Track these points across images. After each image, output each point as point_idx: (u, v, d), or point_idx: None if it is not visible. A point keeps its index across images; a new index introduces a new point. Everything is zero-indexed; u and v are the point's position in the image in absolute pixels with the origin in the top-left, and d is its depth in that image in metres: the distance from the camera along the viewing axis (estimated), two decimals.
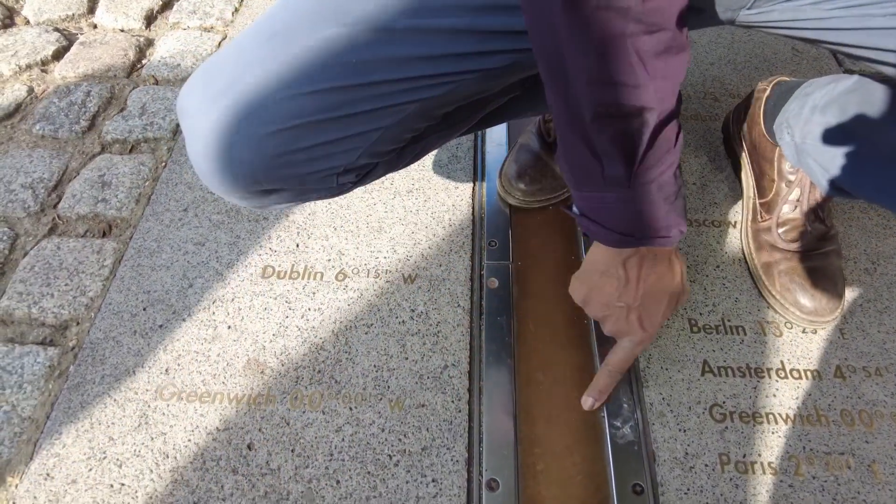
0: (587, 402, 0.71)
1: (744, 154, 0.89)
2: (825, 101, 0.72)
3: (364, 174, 0.59)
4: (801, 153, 0.75)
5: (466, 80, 0.54)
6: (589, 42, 0.42)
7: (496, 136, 1.01)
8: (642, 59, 0.42)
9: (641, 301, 0.59)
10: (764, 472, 0.68)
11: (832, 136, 0.70)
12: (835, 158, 0.70)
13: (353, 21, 0.49)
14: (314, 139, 0.52)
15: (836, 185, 0.72)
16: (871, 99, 0.63)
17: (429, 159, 0.96)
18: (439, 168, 0.95)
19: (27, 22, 1.24)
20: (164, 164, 0.98)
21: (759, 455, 0.69)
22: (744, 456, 0.69)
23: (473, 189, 0.93)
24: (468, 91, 0.56)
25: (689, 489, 0.66)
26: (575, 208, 0.56)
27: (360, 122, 0.52)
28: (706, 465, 0.68)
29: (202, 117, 0.51)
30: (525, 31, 0.48)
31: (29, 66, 1.14)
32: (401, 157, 0.61)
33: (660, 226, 0.53)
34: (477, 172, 0.96)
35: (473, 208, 0.91)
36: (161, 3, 1.28)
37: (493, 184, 0.93)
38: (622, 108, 0.44)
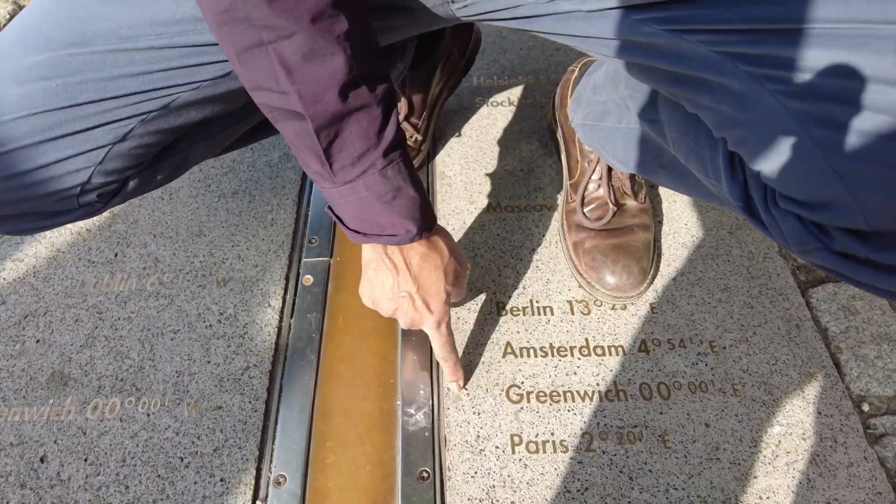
0: (453, 387, 0.72)
1: (560, 134, 0.90)
2: (603, 79, 0.73)
3: (113, 193, 0.59)
4: (586, 132, 0.76)
5: (184, 92, 0.54)
6: (233, 54, 0.44)
7: None
8: (285, 66, 0.43)
9: (419, 284, 0.61)
10: (555, 451, 0.69)
11: (603, 115, 0.71)
12: (608, 136, 0.71)
13: (56, 46, 0.50)
14: (30, 163, 0.52)
15: (619, 162, 0.74)
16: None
17: (260, 159, 0.96)
18: (269, 168, 0.95)
19: None
20: None
21: (552, 434, 0.70)
22: (536, 436, 0.70)
23: (301, 187, 0.93)
24: (195, 102, 0.55)
25: (476, 472, 0.67)
26: None
27: (76, 142, 0.52)
28: (496, 447, 0.69)
29: None
30: None
31: None
32: (156, 171, 0.61)
33: (382, 224, 0.54)
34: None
35: (300, 206, 0.91)
36: (9, 16, 1.26)
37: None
38: (282, 110, 0.45)
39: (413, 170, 0.54)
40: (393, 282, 0.61)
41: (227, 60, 0.53)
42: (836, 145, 0.37)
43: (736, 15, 0.40)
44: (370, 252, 0.61)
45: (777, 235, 0.46)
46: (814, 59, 0.37)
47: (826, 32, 0.36)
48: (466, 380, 0.73)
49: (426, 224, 0.57)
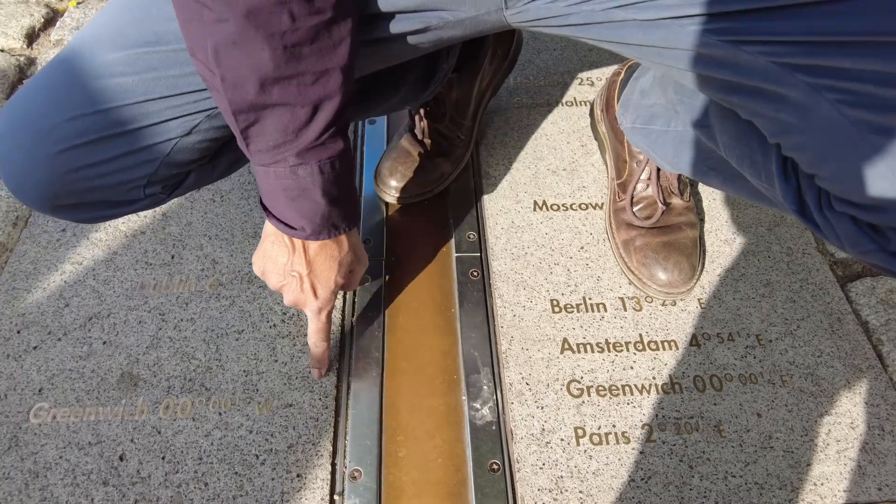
0: (314, 373, 0.75)
1: (605, 137, 0.92)
2: (650, 83, 0.75)
3: (175, 184, 0.62)
4: (635, 135, 0.79)
5: None
6: (180, 19, 0.47)
7: (375, 136, 1.03)
8: (214, 47, 0.46)
9: (311, 268, 0.63)
10: (617, 442, 0.72)
11: (652, 118, 0.73)
12: (657, 140, 0.73)
13: (132, 45, 0.53)
14: (104, 154, 0.55)
15: (667, 164, 0.76)
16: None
17: None
18: None
19: None
20: None
21: (614, 426, 0.73)
22: (598, 428, 0.73)
23: None
24: None
25: (544, 464, 0.70)
26: None
27: (147, 135, 0.55)
28: (562, 440, 0.71)
29: (2, 143, 0.54)
30: None
31: None
32: (215, 166, 0.64)
33: (283, 213, 0.57)
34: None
35: None
36: (43, 20, 1.27)
37: (370, 180, 0.95)
38: (210, 84, 0.49)
39: (333, 180, 0.55)
40: (287, 259, 0.63)
41: None
42: (892, 151, 0.40)
43: (794, 27, 0.42)
44: (272, 226, 0.62)
45: (832, 237, 0.48)
46: (872, 70, 0.39)
47: (885, 43, 0.39)
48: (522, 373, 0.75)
49: (324, 231, 0.60)
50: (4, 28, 1.23)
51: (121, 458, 0.71)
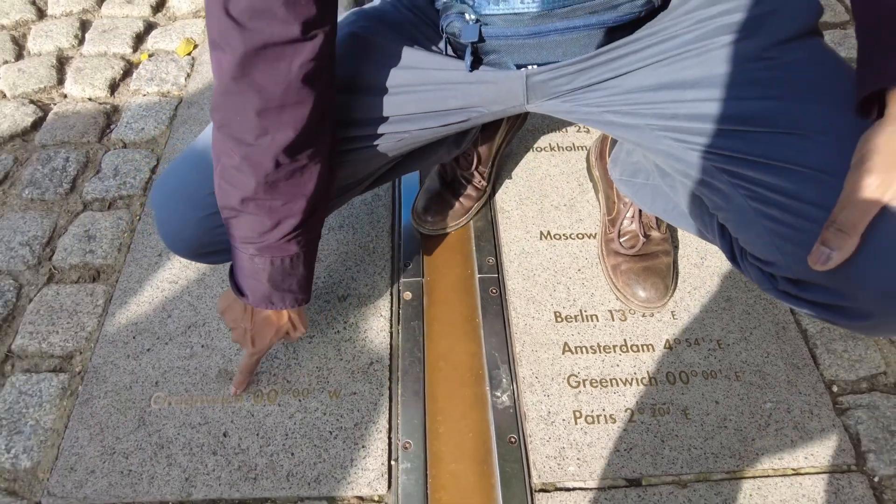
0: (232, 389, 0.95)
1: (598, 180, 1.15)
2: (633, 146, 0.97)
3: None
4: (621, 185, 1.01)
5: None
6: (214, 128, 0.67)
7: (410, 179, 1.26)
8: (221, 165, 0.67)
9: (254, 325, 0.83)
10: (606, 422, 0.93)
11: (635, 173, 0.96)
12: (639, 190, 0.96)
13: None
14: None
15: (646, 207, 0.98)
16: None
17: (356, 198, 1.19)
18: (364, 205, 1.19)
19: (4, 96, 1.44)
20: (138, 217, 1.20)
21: (604, 410, 0.94)
22: (592, 411, 0.94)
23: (392, 222, 1.17)
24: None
25: (549, 438, 0.91)
26: None
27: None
28: (563, 420, 0.93)
29: (162, 210, 0.78)
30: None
31: (12, 137, 1.35)
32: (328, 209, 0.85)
33: (239, 283, 0.77)
34: (395, 208, 1.20)
35: (393, 237, 1.15)
36: (122, 72, 1.49)
37: (408, 216, 1.17)
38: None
39: (280, 272, 0.73)
40: (239, 314, 0.82)
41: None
42: (776, 231, 0.61)
43: (725, 145, 0.63)
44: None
45: (748, 277, 0.71)
46: (764, 179, 0.61)
47: (775, 165, 0.60)
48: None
49: (262, 304, 0.77)
50: (91, 80, 1.45)
51: (224, 435, 0.92)
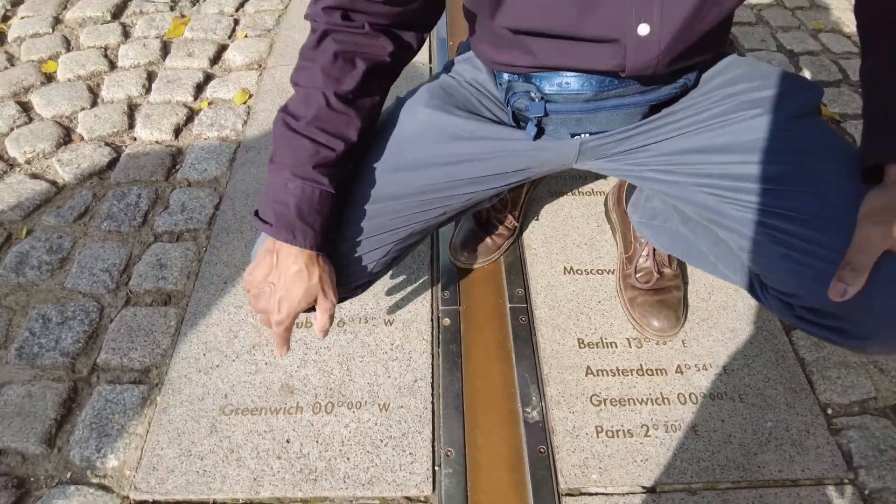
0: (276, 353, 0.88)
1: (615, 222, 1.29)
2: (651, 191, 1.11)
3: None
4: (641, 227, 1.15)
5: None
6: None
7: None
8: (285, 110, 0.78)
9: (284, 284, 0.77)
10: (625, 436, 1.05)
11: (653, 216, 1.09)
12: (657, 232, 1.09)
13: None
14: (357, 264, 0.88)
15: (662, 247, 1.12)
16: None
17: None
18: None
19: (82, 139, 1.61)
20: (204, 248, 1.35)
21: (622, 425, 1.07)
22: (612, 426, 1.06)
23: (431, 256, 1.31)
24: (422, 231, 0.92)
25: (574, 449, 1.03)
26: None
27: (381, 251, 0.88)
28: (587, 434, 1.05)
29: None
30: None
31: (90, 176, 1.51)
32: (389, 266, 0.97)
33: (263, 210, 0.76)
34: (434, 244, 1.34)
35: (432, 270, 1.29)
36: (185, 118, 1.66)
37: (446, 252, 1.31)
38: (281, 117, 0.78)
39: (307, 202, 0.74)
40: (268, 270, 0.78)
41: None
42: (797, 271, 0.74)
43: (756, 200, 0.76)
44: (268, 245, 0.78)
45: (768, 307, 0.84)
46: (788, 227, 0.73)
47: (796, 217, 0.73)
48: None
49: (282, 233, 0.74)
50: (158, 125, 1.62)
51: (287, 441, 1.05)
